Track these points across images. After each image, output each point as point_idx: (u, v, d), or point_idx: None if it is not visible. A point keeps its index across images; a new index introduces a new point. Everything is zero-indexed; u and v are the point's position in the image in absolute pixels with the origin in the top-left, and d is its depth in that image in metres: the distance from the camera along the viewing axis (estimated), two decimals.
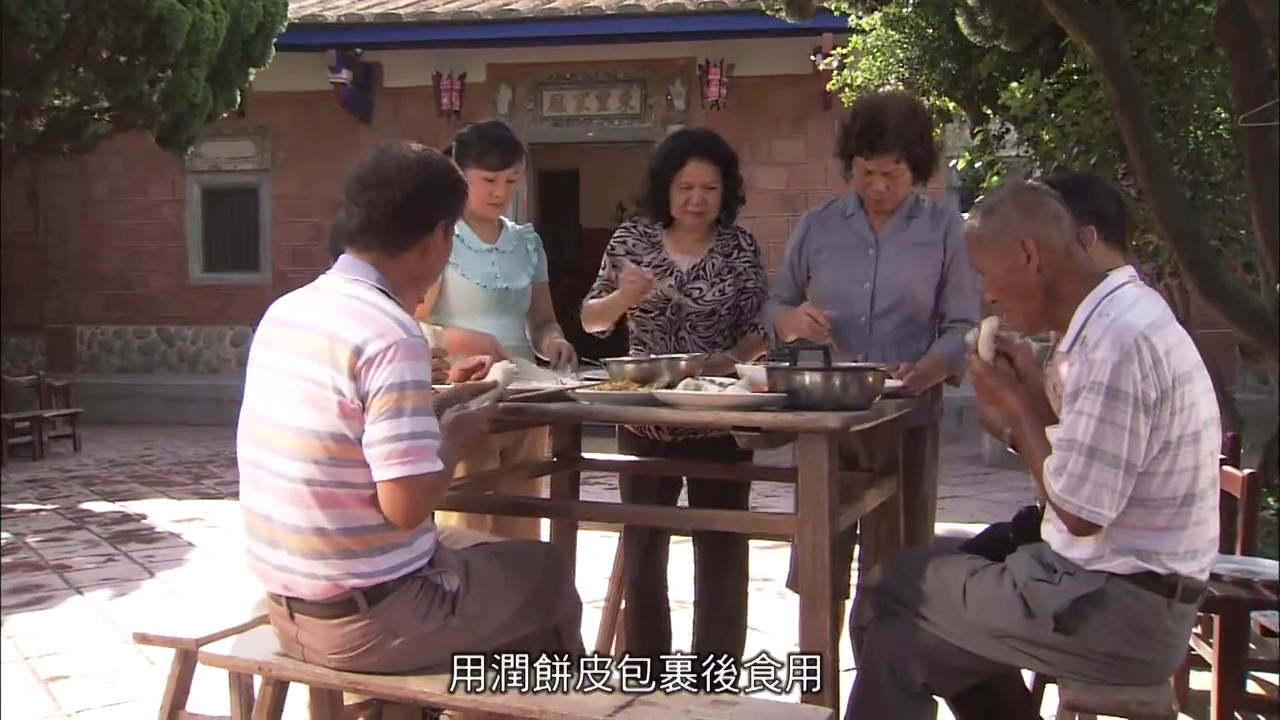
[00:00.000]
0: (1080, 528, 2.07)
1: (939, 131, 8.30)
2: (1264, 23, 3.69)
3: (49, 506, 7.09)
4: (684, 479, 3.26)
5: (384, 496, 2.04)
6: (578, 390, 2.57)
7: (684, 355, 2.82)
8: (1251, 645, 3.34)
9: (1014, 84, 6.06)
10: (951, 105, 8.18)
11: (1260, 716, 3.30)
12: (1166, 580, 2.06)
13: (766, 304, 3.24)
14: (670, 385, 2.68)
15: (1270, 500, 5.83)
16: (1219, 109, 5.72)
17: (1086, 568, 2.10)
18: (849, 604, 3.28)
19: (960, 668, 2.26)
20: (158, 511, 6.83)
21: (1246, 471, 3.47)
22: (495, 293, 3.27)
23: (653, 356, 2.80)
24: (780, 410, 2.31)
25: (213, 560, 5.47)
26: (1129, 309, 2.07)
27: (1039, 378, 2.33)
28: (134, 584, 4.99)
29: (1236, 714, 3.18)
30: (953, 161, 6.45)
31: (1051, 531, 2.17)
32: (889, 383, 2.75)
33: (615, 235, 3.36)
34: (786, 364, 2.48)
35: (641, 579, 3.30)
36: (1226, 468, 3.56)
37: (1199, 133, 5.84)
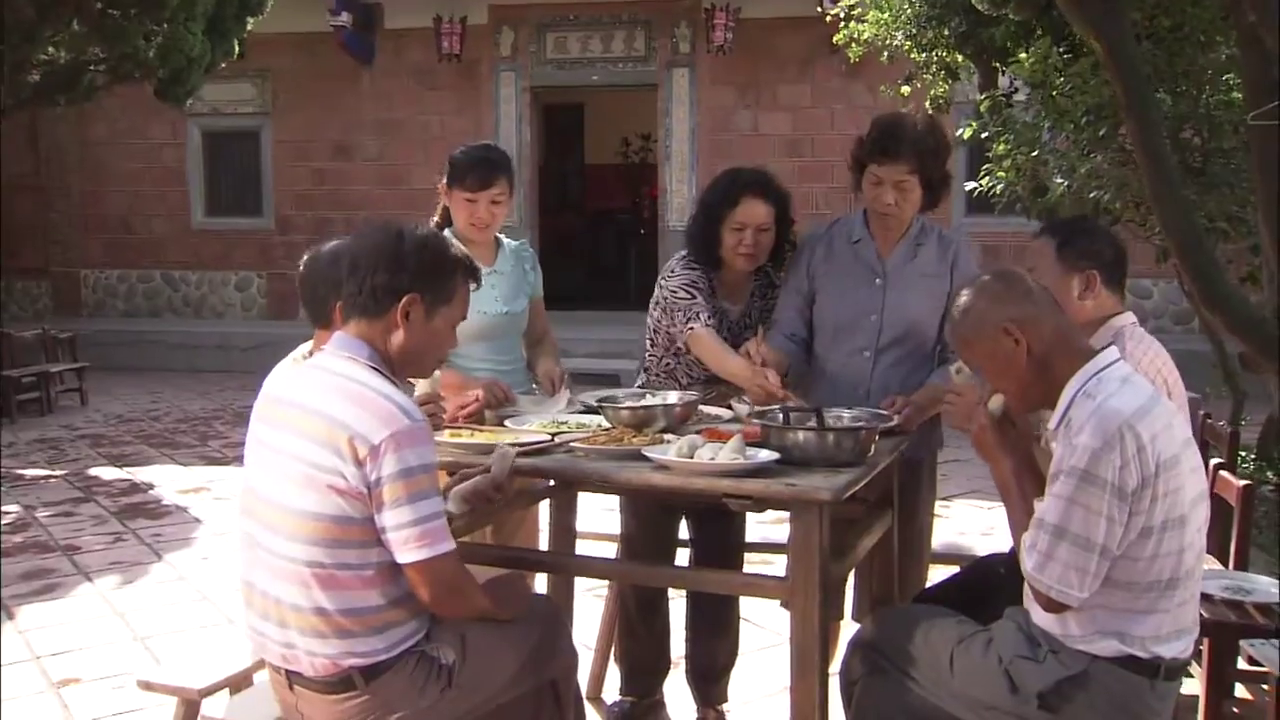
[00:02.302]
0: (1051, 606, 2.10)
1: (946, 86, 8.21)
2: (1267, 40, 3.60)
3: (58, 473, 7.17)
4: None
5: (411, 580, 2.12)
6: (571, 444, 2.58)
7: (677, 400, 2.82)
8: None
9: (1023, 54, 5.95)
10: (961, 59, 8.05)
11: None
12: (1149, 663, 2.09)
13: (772, 327, 3.19)
14: (666, 429, 2.70)
15: (1270, 474, 5.86)
16: (1233, 74, 5.60)
17: (1069, 646, 2.13)
18: (842, 624, 3.34)
19: None
20: (165, 480, 6.91)
21: (1242, 483, 3.45)
22: (494, 318, 3.27)
23: (647, 402, 2.80)
24: (772, 465, 2.33)
25: (219, 540, 5.54)
26: (1115, 394, 2.06)
27: (1031, 446, 2.34)
28: (142, 568, 5.06)
29: None
30: (959, 131, 6.35)
31: (1032, 605, 2.20)
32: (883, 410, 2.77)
33: (689, 274, 3.14)
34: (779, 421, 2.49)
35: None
36: (1223, 473, 3.58)
37: (1211, 99, 5.73)
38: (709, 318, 3.05)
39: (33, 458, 7.69)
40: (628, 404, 2.76)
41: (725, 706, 3.38)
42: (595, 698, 3.52)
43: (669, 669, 3.47)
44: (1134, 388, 2.09)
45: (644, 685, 3.42)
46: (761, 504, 2.31)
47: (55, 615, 4.44)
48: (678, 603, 3.43)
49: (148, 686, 2.58)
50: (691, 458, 2.35)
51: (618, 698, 3.43)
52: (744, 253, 3.06)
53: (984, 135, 6.24)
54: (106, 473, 7.18)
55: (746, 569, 3.50)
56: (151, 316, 13.68)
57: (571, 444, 2.58)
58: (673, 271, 3.16)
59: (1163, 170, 3.79)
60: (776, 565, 4.37)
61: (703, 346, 3.03)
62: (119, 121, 13.29)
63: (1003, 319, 2.14)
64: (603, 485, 2.57)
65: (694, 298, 3.08)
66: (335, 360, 2.19)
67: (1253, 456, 6.01)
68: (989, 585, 2.67)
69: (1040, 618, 2.17)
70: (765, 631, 4.07)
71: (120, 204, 13.72)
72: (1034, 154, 5.95)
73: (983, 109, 6.49)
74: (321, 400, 2.12)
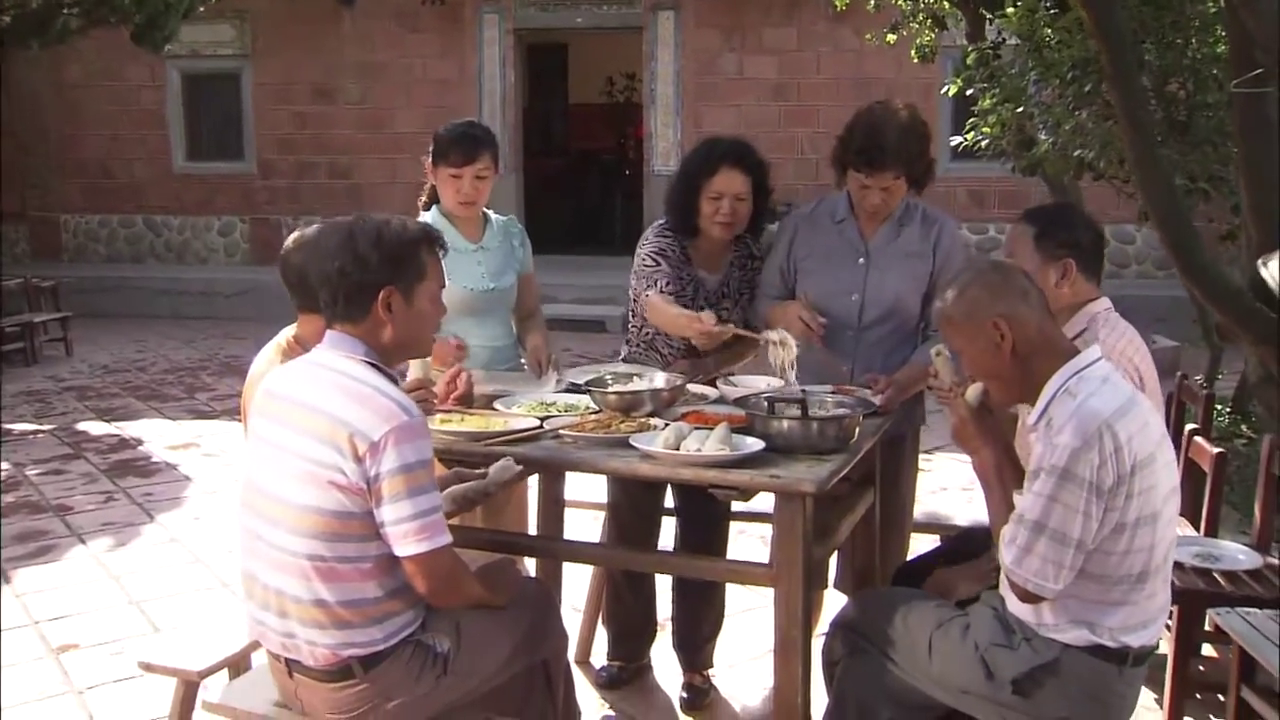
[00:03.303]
0: (1027, 597, 2.18)
1: (932, 35, 8.15)
2: (1247, 21, 3.61)
3: (46, 427, 7.19)
4: None
5: (409, 572, 2.18)
6: (560, 430, 2.62)
7: (664, 385, 2.86)
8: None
9: (1010, 8, 5.92)
10: (948, 6, 7.98)
11: (1220, 697, 3.45)
12: (1118, 652, 2.17)
13: (758, 300, 3.26)
14: (653, 414, 2.74)
15: (1243, 428, 5.97)
16: (1220, 25, 5.59)
17: (1041, 634, 2.21)
18: (825, 593, 3.43)
19: (925, 705, 2.39)
20: (153, 435, 6.93)
21: (1215, 450, 3.53)
22: (482, 294, 3.30)
23: (634, 387, 2.84)
24: (757, 455, 2.39)
25: (210, 498, 5.59)
26: (1095, 393, 2.11)
27: (1010, 437, 2.40)
28: (134, 529, 5.11)
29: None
30: (944, 88, 6.33)
31: (1008, 592, 2.27)
32: (864, 392, 2.83)
33: (660, 241, 3.23)
34: (764, 410, 2.55)
35: (633, 544, 3.38)
36: (1198, 439, 3.66)
37: (1198, 52, 5.72)
38: (666, 284, 3.14)
39: (20, 411, 7.70)
40: (615, 389, 2.80)
41: (711, 671, 3.47)
42: (583, 662, 3.61)
43: (656, 634, 3.56)
44: (1113, 387, 2.14)
45: (631, 649, 3.51)
46: (747, 494, 2.36)
47: (51, 579, 4.50)
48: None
49: (148, 668, 2.64)
50: (678, 447, 2.40)
51: (605, 662, 3.52)
52: (721, 221, 3.11)
53: (969, 91, 6.23)
54: (95, 427, 7.20)
55: (730, 533, 3.58)
56: (134, 262, 13.59)
57: (560, 431, 2.62)
58: (646, 239, 3.24)
59: (1145, 138, 3.81)
60: (761, 529, 4.46)
61: (653, 310, 3.13)
62: (94, 63, 13.07)
63: (993, 313, 2.18)
64: None
65: (658, 265, 3.17)
66: (334, 357, 2.23)
67: (1228, 410, 6.12)
68: (970, 559, 2.75)
69: (1015, 606, 2.25)
70: (751, 593, 4.16)
71: (99, 147, 13.54)
72: (1019, 109, 5.94)
73: (969, 61, 6.46)
74: (322, 397, 2.17)
